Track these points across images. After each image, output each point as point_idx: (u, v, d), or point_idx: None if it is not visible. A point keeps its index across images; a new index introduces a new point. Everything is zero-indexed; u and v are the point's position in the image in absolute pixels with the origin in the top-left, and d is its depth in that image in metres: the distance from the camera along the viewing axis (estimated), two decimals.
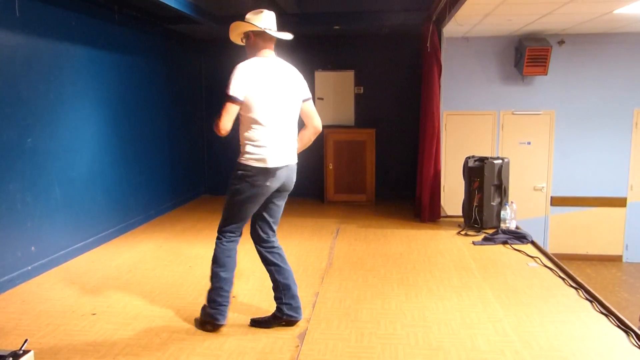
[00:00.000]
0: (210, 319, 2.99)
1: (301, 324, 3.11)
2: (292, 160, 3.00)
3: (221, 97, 2.80)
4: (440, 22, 5.77)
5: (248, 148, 2.83)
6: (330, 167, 6.97)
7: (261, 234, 3.06)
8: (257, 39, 2.89)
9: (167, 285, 3.80)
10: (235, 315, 3.23)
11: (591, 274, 6.76)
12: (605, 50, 6.97)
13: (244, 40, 2.98)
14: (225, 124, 2.75)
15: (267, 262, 3.08)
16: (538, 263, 4.29)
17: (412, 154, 6.79)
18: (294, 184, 3.08)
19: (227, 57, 7.27)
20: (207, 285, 3.04)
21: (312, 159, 7.38)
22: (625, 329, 2.99)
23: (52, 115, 4.22)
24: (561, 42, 6.97)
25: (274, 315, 3.08)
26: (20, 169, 3.84)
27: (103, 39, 4.98)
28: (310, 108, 3.07)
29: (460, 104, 7.23)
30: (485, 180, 5.32)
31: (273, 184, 2.90)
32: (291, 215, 6.27)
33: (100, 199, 4.93)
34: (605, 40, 6.91)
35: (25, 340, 2.20)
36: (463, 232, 5.31)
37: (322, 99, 7.20)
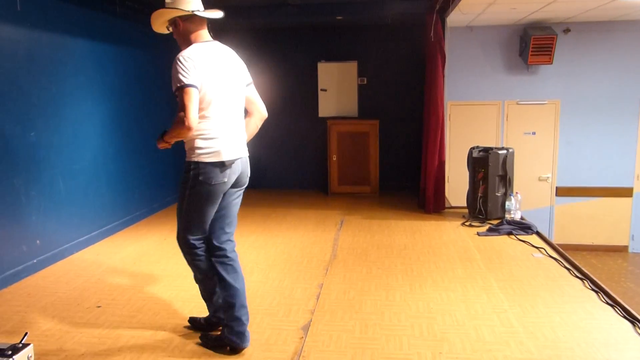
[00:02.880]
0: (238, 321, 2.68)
1: (306, 315, 3.12)
2: (244, 152, 2.73)
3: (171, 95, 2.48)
4: (444, 11, 5.72)
5: (198, 143, 2.54)
6: (334, 159, 6.95)
7: (214, 241, 2.70)
8: (186, 24, 2.61)
9: (172, 278, 3.81)
10: None
11: (597, 265, 6.74)
12: (611, 39, 6.89)
13: (170, 29, 2.69)
14: (194, 114, 2.41)
15: (217, 276, 2.70)
16: (543, 254, 4.28)
17: (416, 144, 6.75)
18: (248, 177, 2.79)
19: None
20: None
21: (315, 151, 7.40)
22: (632, 319, 2.98)
23: (54, 109, 4.21)
24: (566, 31, 6.89)
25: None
26: (24, 163, 3.84)
27: (105, 32, 4.96)
28: (254, 93, 2.82)
29: (464, 94, 7.18)
30: (489, 171, 5.30)
31: (230, 179, 2.63)
32: (295, 207, 6.28)
33: (104, 192, 4.94)
34: (611, 28, 6.83)
35: (25, 334, 2.20)
36: (467, 223, 5.29)
37: (325, 90, 7.17)
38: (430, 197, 5.81)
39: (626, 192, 7.13)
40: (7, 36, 3.70)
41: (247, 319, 2.70)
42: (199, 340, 2.79)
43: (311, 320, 3.04)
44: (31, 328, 2.97)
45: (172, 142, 2.59)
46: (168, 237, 4.90)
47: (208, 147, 2.54)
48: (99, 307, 3.29)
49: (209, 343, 2.74)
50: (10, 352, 1.98)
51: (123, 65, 5.28)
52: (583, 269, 3.83)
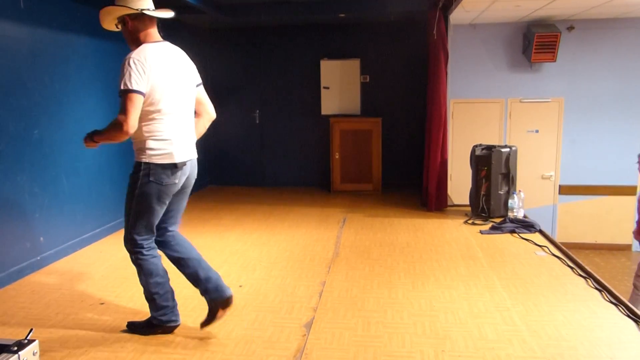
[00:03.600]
0: (165, 324, 2.82)
1: (308, 313, 3.12)
2: (194, 154, 2.74)
3: (115, 95, 2.48)
4: (447, 8, 5.70)
5: (150, 144, 2.54)
6: (337, 157, 6.95)
7: (158, 238, 2.78)
8: (135, 22, 2.60)
9: (174, 275, 3.78)
10: (242, 304, 3.24)
11: (600, 263, 6.72)
12: (615, 36, 6.86)
13: (119, 27, 2.69)
14: (134, 120, 2.46)
15: (173, 261, 2.83)
16: (546, 252, 4.27)
17: (418, 142, 6.75)
18: (194, 180, 2.81)
19: (232, 47, 7.27)
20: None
21: (318, 149, 7.40)
22: (635, 318, 2.97)
23: (58, 107, 4.22)
24: (570, 28, 6.86)
25: (209, 310, 2.80)
26: (27, 161, 3.85)
27: (108, 30, 4.95)
28: (204, 94, 2.83)
29: (467, 92, 7.16)
30: (492, 169, 5.29)
31: (180, 181, 2.64)
32: (297, 204, 6.29)
33: (107, 189, 4.95)
34: (615, 25, 6.80)
35: (30, 330, 2.21)
36: (470, 221, 5.29)
37: (327, 88, 7.16)
38: (432, 195, 5.81)
39: (630, 191, 7.10)
40: (10, 34, 3.71)
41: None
42: (201, 337, 2.80)
43: (314, 318, 3.05)
44: (35, 324, 2.98)
45: (100, 143, 2.62)
46: None
47: (160, 149, 2.55)
48: (102, 304, 3.30)
49: (138, 329, 2.82)
50: (15, 348, 1.99)
51: None
52: (586, 267, 3.83)
